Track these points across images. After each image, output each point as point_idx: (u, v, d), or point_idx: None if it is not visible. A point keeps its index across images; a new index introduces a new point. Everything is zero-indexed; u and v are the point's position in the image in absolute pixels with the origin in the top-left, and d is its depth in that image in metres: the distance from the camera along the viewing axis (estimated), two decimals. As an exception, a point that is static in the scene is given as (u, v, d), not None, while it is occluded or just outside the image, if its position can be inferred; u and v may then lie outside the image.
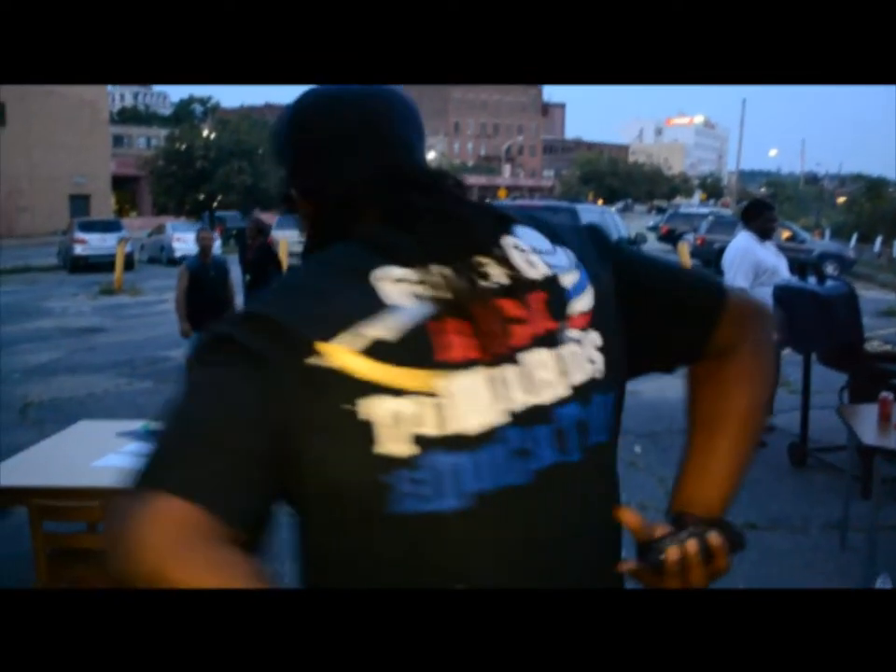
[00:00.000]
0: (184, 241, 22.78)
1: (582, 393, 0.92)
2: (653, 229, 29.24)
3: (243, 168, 35.06)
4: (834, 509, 4.23)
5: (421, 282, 0.85)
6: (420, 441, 0.82)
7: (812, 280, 5.38)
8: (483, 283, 0.88)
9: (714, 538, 0.92)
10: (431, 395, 0.82)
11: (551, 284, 0.93)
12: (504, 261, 0.90)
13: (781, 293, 5.09)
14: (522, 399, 0.87)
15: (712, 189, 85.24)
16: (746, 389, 1.02)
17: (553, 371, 0.90)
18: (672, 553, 0.91)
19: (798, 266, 5.98)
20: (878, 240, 22.81)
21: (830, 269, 17.40)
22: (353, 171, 0.93)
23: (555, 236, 0.99)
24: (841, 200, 38.83)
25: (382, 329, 0.83)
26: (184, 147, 35.70)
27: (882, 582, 2.95)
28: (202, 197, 35.76)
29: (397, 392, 0.81)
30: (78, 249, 21.27)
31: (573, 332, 0.92)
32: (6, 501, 3.28)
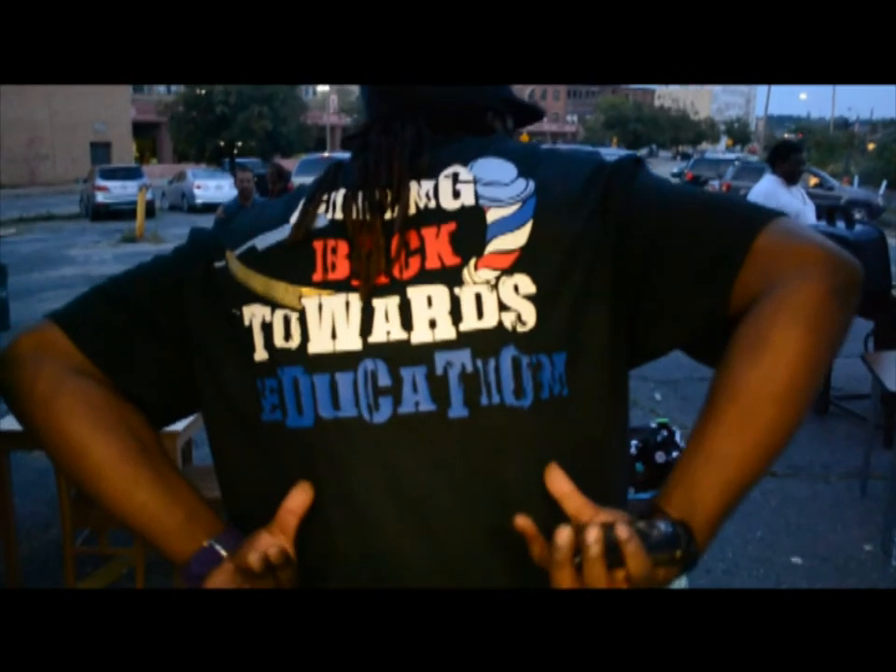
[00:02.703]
0: (205, 188, 22.74)
1: (478, 342, 0.80)
2: (678, 175, 28.84)
3: (263, 113, 34.85)
4: (855, 457, 4.21)
5: (325, 203, 0.88)
6: (283, 353, 0.84)
7: (841, 225, 5.28)
8: (383, 211, 0.85)
9: (624, 533, 0.70)
10: (299, 311, 0.85)
11: (468, 216, 0.83)
12: (424, 192, 0.85)
13: (808, 239, 5.00)
14: (394, 334, 0.82)
15: (739, 134, 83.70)
16: (756, 357, 0.74)
17: (442, 311, 0.81)
18: (561, 535, 0.72)
19: (827, 210, 5.86)
20: (909, 186, 22.33)
21: (858, 216, 17.09)
22: (365, 114, 1.04)
23: (531, 168, 0.87)
24: (871, 146, 37.96)
25: (269, 241, 0.88)
26: (204, 92, 35.48)
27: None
28: (222, 143, 35.65)
29: (272, 304, 0.86)
30: (100, 197, 21.32)
31: (484, 272, 0.81)
32: (30, 445, 3.33)
